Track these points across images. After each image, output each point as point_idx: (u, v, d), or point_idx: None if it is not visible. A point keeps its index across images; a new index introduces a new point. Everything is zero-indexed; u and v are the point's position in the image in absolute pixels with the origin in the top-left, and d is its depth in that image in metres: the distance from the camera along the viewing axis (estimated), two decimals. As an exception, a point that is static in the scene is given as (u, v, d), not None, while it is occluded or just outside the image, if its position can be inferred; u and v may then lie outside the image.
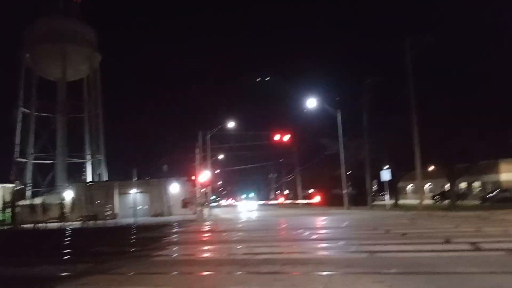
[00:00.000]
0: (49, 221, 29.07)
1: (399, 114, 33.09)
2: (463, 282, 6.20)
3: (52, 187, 56.42)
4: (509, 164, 43.73)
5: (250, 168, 71.30)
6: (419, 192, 33.23)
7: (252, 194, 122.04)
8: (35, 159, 59.67)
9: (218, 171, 72.68)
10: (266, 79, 41.53)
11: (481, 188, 48.57)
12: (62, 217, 29.58)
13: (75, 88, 64.09)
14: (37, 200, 33.99)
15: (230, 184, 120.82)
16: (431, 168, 47.43)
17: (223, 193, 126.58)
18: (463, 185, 50.06)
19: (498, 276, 6.49)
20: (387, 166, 37.11)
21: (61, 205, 30.24)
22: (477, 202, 39.30)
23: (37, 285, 7.53)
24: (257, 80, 41.85)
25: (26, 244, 17.63)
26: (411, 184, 62.50)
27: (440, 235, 12.38)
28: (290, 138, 39.18)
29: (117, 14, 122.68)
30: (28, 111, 59.92)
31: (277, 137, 38.68)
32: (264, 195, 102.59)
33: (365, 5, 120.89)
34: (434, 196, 49.90)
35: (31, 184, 55.82)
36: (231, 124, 41.26)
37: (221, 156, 55.16)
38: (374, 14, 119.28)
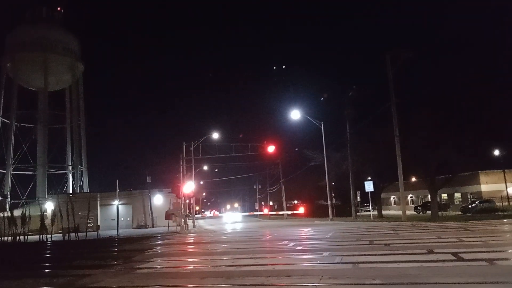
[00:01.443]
0: (29, 233, 28.36)
1: (382, 126, 33.59)
2: (446, 292, 6.28)
3: (32, 198, 55.26)
4: (488, 176, 44.63)
5: (235, 179, 71.16)
6: (402, 203, 33.60)
7: (236, 205, 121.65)
8: (15, 170, 58.43)
9: (203, 182, 72.33)
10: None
11: (461, 199, 49.40)
12: (42, 229, 28.84)
13: (57, 98, 63.36)
14: (17, 212, 33.11)
15: (215, 195, 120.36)
16: (413, 179, 48.10)
17: (207, 204, 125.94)
18: (444, 196, 50.82)
19: (480, 286, 6.59)
20: (370, 177, 37.51)
21: (42, 217, 29.48)
22: (458, 213, 39.89)
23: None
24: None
25: (5, 256, 17.19)
26: (394, 195, 63.21)
27: (422, 245, 12.52)
28: (274, 149, 39.20)
29: (101, 24, 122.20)
30: (8, 121, 58.81)
31: (262, 149, 38.70)
32: (248, 206, 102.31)
33: (349, 19, 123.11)
34: (416, 207, 50.52)
35: (10, 196, 54.52)
36: (215, 135, 41.20)
37: (205, 167, 54.93)
38: (359, 28, 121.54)
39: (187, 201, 42.14)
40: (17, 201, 54.44)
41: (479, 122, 30.38)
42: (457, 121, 30.81)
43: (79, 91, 64.08)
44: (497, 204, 37.71)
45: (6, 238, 28.57)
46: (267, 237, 21.49)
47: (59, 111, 62.63)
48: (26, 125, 59.73)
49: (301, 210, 55.83)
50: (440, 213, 33.61)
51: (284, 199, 60.82)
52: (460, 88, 31.55)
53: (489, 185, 45.49)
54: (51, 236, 29.50)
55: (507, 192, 42.28)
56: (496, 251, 10.77)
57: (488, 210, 36.69)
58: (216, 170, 61.55)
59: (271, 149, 38.56)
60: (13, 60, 58.56)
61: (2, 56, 59.49)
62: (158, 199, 50.10)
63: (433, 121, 30.98)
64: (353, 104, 38.24)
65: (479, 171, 45.54)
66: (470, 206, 40.85)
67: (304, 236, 21.26)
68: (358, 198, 41.36)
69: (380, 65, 31.01)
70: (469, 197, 47.56)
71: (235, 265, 10.65)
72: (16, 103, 58.94)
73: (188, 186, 39.71)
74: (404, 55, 29.63)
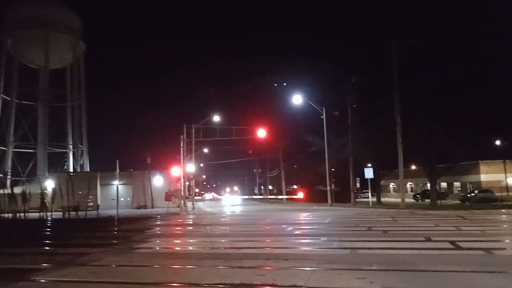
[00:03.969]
0: (30, 210, 28.48)
1: (384, 113, 33.41)
2: (443, 280, 6.29)
3: (33, 176, 55.48)
4: (488, 166, 44.62)
5: (235, 162, 71.29)
6: (401, 191, 33.68)
7: (236, 188, 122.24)
8: (16, 147, 58.54)
9: (203, 164, 72.50)
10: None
11: (460, 188, 49.53)
12: (42, 207, 28.94)
13: (58, 76, 62.95)
14: (17, 189, 33.23)
15: (215, 178, 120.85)
16: (413, 167, 48.15)
17: (207, 186, 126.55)
18: (444, 184, 50.92)
19: (477, 275, 6.60)
20: (370, 164, 37.51)
21: (42, 195, 29.56)
22: (457, 202, 40.03)
23: (14, 276, 7.35)
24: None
25: (4, 233, 17.30)
26: (393, 183, 63.37)
27: (421, 233, 12.56)
28: (275, 133, 39.23)
29: (103, 2, 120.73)
30: (8, 98, 58.64)
31: (262, 133, 38.61)
32: (248, 190, 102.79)
33: (355, 6, 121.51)
34: (415, 195, 50.70)
35: (11, 173, 54.74)
36: (217, 118, 41.06)
37: (206, 150, 54.96)
38: (364, 14, 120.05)
39: (187, 183, 42.30)
40: (17, 178, 54.68)
41: (481, 112, 30.19)
42: (459, 111, 30.63)
43: (80, 69, 63.69)
44: (496, 194, 37.81)
45: (6, 215, 28.70)
46: (266, 221, 21.59)
47: (60, 89, 62.39)
48: (27, 102, 59.61)
49: (300, 195, 56.07)
50: (439, 201, 33.72)
51: (283, 183, 61.03)
52: (462, 78, 31.30)
53: (489, 175, 45.51)
54: (51, 214, 29.62)
55: (506, 183, 42.35)
56: (494, 241, 10.82)
57: (487, 200, 36.80)
58: (217, 152, 61.58)
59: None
60: (14, 37, 57.99)
61: (2, 32, 58.86)
62: (158, 180, 50.26)
63: (434, 110, 30.80)
64: (356, 91, 38.02)
65: (479, 161, 45.49)
66: (469, 195, 40.96)
67: (302, 220, 21.36)
68: (358, 185, 41.49)
69: (386, 52, 30.64)
70: (468, 186, 47.70)
71: (233, 248, 10.71)
72: (16, 81, 58.73)
73: (188, 168, 39.83)
74: (410, 43, 29.30)
